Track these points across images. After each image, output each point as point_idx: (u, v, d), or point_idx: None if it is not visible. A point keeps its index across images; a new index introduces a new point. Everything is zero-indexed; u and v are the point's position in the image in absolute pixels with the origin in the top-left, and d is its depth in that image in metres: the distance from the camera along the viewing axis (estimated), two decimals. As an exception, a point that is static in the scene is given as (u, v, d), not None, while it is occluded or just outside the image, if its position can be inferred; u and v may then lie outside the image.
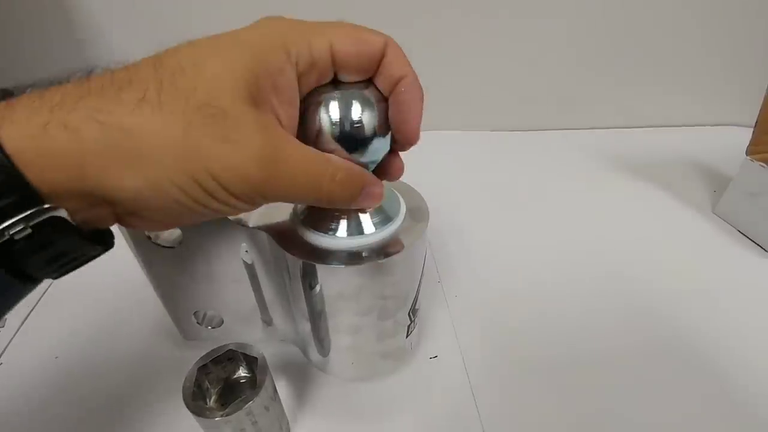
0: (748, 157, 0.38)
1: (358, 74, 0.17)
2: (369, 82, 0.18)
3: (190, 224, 0.19)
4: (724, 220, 0.40)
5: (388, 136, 0.18)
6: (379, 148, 0.18)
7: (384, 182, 0.22)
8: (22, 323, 0.29)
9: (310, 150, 0.16)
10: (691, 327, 0.29)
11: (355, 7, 0.48)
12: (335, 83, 0.17)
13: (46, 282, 0.31)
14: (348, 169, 0.17)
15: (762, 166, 0.36)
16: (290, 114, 0.16)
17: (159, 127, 0.13)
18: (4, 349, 0.27)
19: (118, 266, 0.30)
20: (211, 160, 0.13)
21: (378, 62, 0.17)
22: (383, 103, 0.18)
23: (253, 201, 0.15)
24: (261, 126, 0.14)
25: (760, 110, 0.38)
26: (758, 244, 0.37)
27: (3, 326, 0.28)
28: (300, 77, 0.16)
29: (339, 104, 0.17)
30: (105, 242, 0.15)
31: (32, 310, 0.30)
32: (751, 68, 0.55)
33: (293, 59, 0.15)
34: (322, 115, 0.17)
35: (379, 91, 0.18)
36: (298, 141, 0.15)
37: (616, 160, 0.51)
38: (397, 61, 0.17)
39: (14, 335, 0.28)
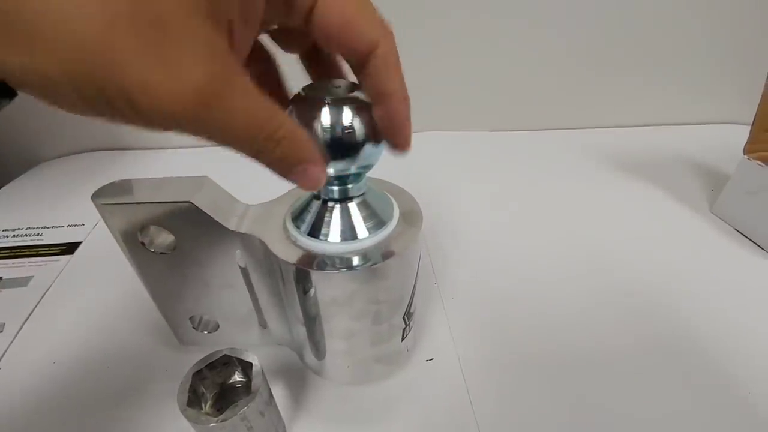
0: (746, 156, 0.38)
1: (332, 50, 0.16)
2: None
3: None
4: (722, 219, 0.40)
5: (382, 142, 0.18)
6: (372, 153, 0.18)
7: (377, 186, 0.22)
8: (20, 328, 0.29)
9: (258, 93, 0.13)
10: (688, 326, 0.29)
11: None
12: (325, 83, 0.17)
13: (44, 287, 0.32)
14: (291, 132, 0.14)
15: (760, 164, 0.36)
16: (246, 37, 0.14)
17: (68, 14, 0.10)
18: (3, 355, 0.27)
19: (114, 272, 0.30)
20: (129, 79, 0.10)
21: (363, 58, 0.15)
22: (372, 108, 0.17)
23: (167, 129, 0.12)
24: (211, 50, 0.12)
25: (758, 108, 0.38)
26: (756, 243, 0.37)
27: (1, 331, 0.29)
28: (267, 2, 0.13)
29: (330, 109, 0.17)
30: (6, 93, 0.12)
31: (30, 315, 0.30)
32: (749, 66, 0.55)
33: None
34: (313, 120, 0.17)
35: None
36: (247, 75, 0.13)
37: (613, 159, 0.51)
38: (386, 72, 0.16)
39: (12, 340, 0.28)
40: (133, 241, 0.20)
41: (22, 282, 0.33)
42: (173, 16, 0.11)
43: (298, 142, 0.15)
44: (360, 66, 0.16)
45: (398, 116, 0.17)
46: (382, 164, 0.20)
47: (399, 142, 0.17)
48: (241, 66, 0.13)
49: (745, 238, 0.38)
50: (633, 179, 0.47)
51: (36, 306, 0.31)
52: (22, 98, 0.12)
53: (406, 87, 0.17)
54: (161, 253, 0.21)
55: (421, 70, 0.54)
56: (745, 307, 0.31)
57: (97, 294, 0.32)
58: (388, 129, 0.17)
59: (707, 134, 0.57)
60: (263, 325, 0.25)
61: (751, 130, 0.38)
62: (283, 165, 0.15)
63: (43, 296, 0.31)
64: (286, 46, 0.19)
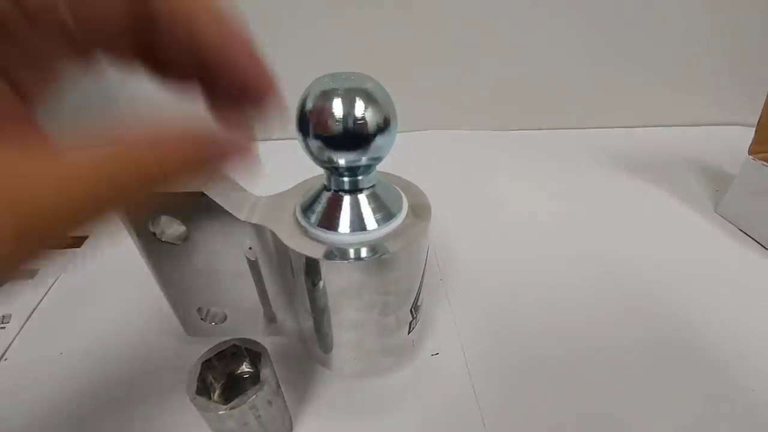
0: (751, 157, 0.38)
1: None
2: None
3: None
4: (727, 220, 0.40)
5: (394, 131, 0.18)
6: (383, 145, 0.18)
7: (387, 179, 0.23)
8: (27, 319, 0.29)
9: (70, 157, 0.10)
10: (693, 326, 0.29)
11: (356, 6, 0.48)
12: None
13: (51, 279, 0.32)
14: (154, 143, 0.10)
15: (764, 165, 0.36)
16: (34, 79, 0.11)
17: None
18: (9, 345, 0.27)
19: (122, 262, 0.30)
20: None
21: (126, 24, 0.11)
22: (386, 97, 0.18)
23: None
24: None
25: (763, 109, 0.38)
26: (761, 244, 0.37)
27: (8, 323, 0.29)
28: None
29: (342, 100, 0.17)
30: None
31: (37, 306, 0.30)
32: (754, 67, 0.55)
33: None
34: (321, 111, 0.17)
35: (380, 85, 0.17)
36: (48, 139, 0.10)
37: (618, 160, 0.51)
38: (174, 14, 0.11)
39: (19, 331, 0.28)
40: (145, 231, 0.20)
41: (28, 274, 0.33)
42: None
43: (171, 137, 0.11)
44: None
45: (233, 64, 0.12)
46: (388, 161, 0.20)
47: (260, 90, 0.13)
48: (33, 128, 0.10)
49: (749, 238, 0.38)
50: (637, 179, 0.47)
51: (42, 298, 0.31)
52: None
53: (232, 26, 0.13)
54: (172, 243, 0.21)
55: (423, 70, 0.54)
56: (749, 308, 0.31)
57: (104, 286, 0.32)
58: (236, 81, 0.13)
59: (712, 135, 0.57)
60: (271, 316, 0.25)
61: (756, 131, 0.39)
62: (183, 176, 0.11)
63: (49, 289, 0.32)
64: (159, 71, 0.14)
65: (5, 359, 0.26)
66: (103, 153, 0.10)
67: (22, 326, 0.29)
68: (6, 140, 0.10)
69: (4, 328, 0.28)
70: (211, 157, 0.12)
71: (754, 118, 0.39)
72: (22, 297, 0.31)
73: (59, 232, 0.09)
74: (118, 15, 0.11)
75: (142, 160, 0.10)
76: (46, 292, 0.31)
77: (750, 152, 0.38)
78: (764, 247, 0.37)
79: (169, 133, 0.11)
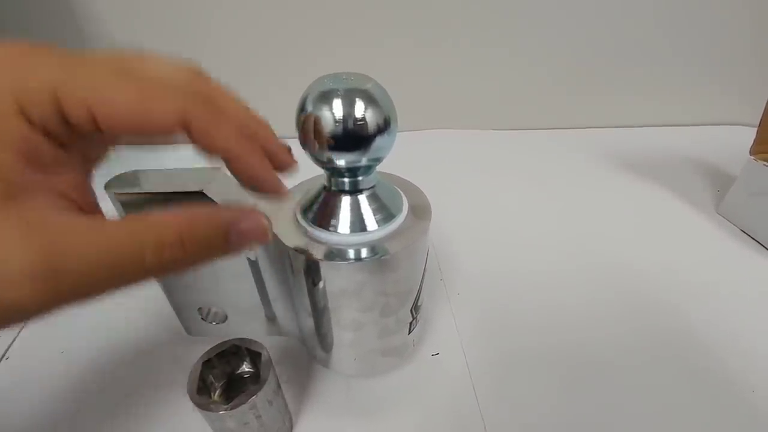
0: (752, 157, 0.38)
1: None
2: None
3: None
4: (728, 220, 0.40)
5: (394, 132, 0.18)
6: (383, 146, 0.18)
7: (387, 180, 0.23)
8: (29, 318, 0.29)
9: (111, 226, 0.11)
10: (694, 327, 0.29)
11: (356, 7, 0.48)
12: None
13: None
14: (181, 223, 0.12)
15: (766, 165, 0.36)
16: (71, 178, 0.12)
17: None
18: (11, 344, 0.27)
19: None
20: None
21: (179, 131, 0.13)
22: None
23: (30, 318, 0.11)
24: (24, 225, 0.10)
25: (764, 110, 0.38)
26: (762, 244, 0.37)
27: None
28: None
29: (342, 101, 0.17)
30: None
31: (38, 305, 0.30)
32: (755, 67, 0.55)
33: (35, 119, 0.11)
34: (323, 114, 0.17)
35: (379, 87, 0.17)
36: (86, 219, 0.11)
37: (620, 160, 0.51)
38: (209, 134, 0.13)
39: (20, 330, 0.28)
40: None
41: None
42: None
43: (197, 226, 0.13)
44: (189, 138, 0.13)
45: (249, 170, 0.15)
46: (388, 161, 0.20)
47: (268, 188, 0.15)
48: (73, 214, 0.12)
49: (750, 238, 0.38)
50: (639, 179, 0.47)
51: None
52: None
53: (251, 128, 0.15)
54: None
55: (424, 70, 0.54)
56: (750, 308, 0.31)
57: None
58: (251, 181, 0.15)
59: (713, 135, 0.57)
60: (271, 316, 0.25)
61: (757, 131, 0.38)
62: (205, 255, 0.13)
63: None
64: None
65: (6, 358, 0.27)
66: (138, 231, 0.12)
67: (23, 325, 0.29)
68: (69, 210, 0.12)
69: (5, 327, 0.28)
70: (232, 244, 0.14)
71: (756, 118, 0.39)
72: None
73: (78, 289, 0.11)
74: (164, 129, 0.13)
75: (182, 259, 0.12)
76: (48, 292, 0.31)
77: (751, 153, 0.38)
78: (765, 248, 0.37)
79: (198, 219, 0.13)
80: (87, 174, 0.14)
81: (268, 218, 0.15)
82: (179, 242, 0.12)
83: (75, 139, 0.12)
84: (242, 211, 0.14)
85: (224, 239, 0.13)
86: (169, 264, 0.12)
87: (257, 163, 0.15)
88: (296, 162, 0.17)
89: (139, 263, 0.12)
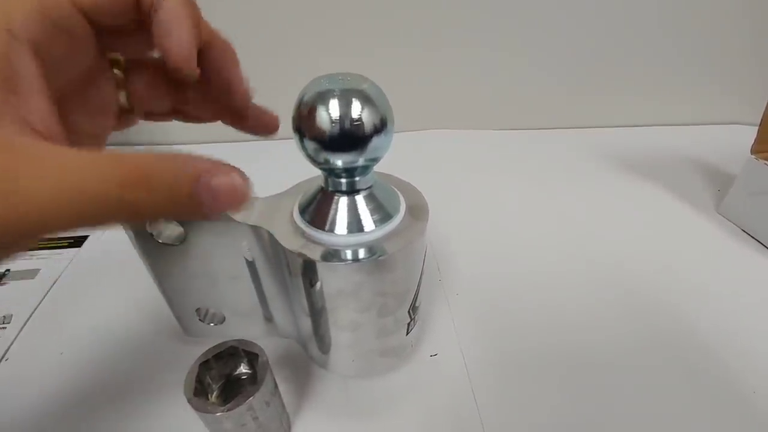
0: (753, 156, 0.38)
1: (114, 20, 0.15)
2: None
3: None
4: (728, 220, 0.40)
5: (391, 132, 0.18)
6: (380, 146, 0.18)
7: (385, 180, 0.22)
8: (28, 319, 0.29)
9: (74, 154, 0.11)
10: (695, 326, 0.29)
11: (354, 7, 0.48)
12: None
13: (51, 280, 0.32)
14: (149, 162, 0.11)
15: (766, 164, 0.36)
16: (43, 105, 0.12)
17: None
18: (10, 346, 0.27)
19: (122, 263, 0.30)
20: None
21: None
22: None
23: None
24: None
25: (765, 109, 0.38)
26: (762, 244, 0.37)
27: (9, 323, 0.29)
28: (43, 47, 0.12)
29: (338, 101, 0.17)
30: None
31: (37, 307, 0.30)
32: (756, 66, 0.55)
33: (18, 33, 0.11)
34: (317, 112, 0.17)
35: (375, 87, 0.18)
36: (49, 145, 0.11)
37: (619, 159, 0.51)
38: (178, 28, 0.15)
39: (20, 331, 0.28)
40: (143, 233, 0.21)
41: (29, 274, 0.33)
42: None
43: (165, 170, 0.12)
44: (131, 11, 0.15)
45: (175, 12, 0.15)
46: (385, 162, 0.20)
47: (236, 102, 0.16)
48: (40, 139, 0.11)
49: (751, 238, 0.38)
50: (639, 179, 0.47)
51: (43, 298, 0.31)
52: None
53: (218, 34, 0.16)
54: (170, 244, 0.21)
55: (424, 69, 0.54)
56: (751, 307, 0.31)
57: (103, 286, 0.32)
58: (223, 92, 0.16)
59: (713, 134, 0.57)
60: (269, 317, 0.25)
61: (758, 130, 0.38)
62: (169, 205, 0.12)
63: (50, 289, 0.32)
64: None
65: (6, 359, 0.27)
66: (102, 164, 0.11)
67: (23, 326, 0.29)
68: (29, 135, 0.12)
69: (5, 328, 0.28)
70: (204, 200, 0.12)
71: (756, 117, 0.38)
72: (23, 297, 0.31)
73: (34, 216, 0.10)
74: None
75: (146, 201, 0.11)
76: (47, 293, 0.31)
77: (752, 152, 0.38)
78: (766, 247, 0.37)
79: (167, 160, 0.12)
80: (56, 105, 0.13)
81: (247, 179, 0.13)
82: (145, 182, 0.11)
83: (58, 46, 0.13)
84: (218, 165, 0.13)
85: (193, 189, 0.12)
86: (134, 205, 0.11)
87: (228, 64, 0.17)
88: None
89: (103, 199, 0.11)
